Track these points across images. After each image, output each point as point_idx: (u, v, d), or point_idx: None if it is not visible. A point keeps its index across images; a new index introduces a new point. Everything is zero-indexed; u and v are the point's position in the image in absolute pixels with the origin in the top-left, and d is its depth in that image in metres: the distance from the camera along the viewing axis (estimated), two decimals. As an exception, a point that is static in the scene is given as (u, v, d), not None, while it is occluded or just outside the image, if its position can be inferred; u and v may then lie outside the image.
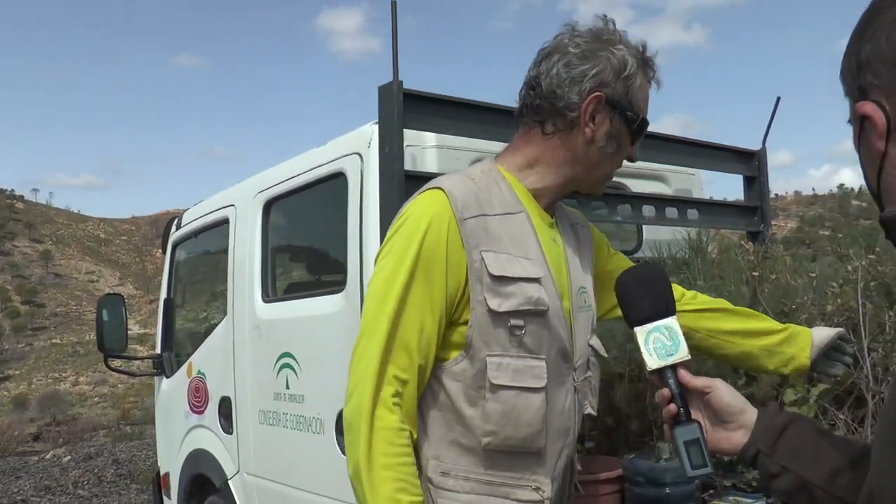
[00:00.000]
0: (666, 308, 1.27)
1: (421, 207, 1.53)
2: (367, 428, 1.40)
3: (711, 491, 2.08)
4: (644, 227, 3.85)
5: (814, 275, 2.39)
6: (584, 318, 1.67)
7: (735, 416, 1.21)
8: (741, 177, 4.19)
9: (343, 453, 3.01)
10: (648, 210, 3.61)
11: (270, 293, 3.56)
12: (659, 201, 3.63)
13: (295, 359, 3.21)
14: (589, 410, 1.69)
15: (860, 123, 0.89)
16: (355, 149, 3.08)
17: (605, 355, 1.78)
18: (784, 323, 1.93)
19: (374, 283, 1.52)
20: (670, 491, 1.99)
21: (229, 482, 3.78)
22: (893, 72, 0.84)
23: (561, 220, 1.72)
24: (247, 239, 3.66)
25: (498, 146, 3.29)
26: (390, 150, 2.70)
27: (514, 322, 1.48)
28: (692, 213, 3.77)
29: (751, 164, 4.16)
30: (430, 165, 3.13)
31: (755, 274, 2.39)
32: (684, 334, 1.65)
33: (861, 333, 2.12)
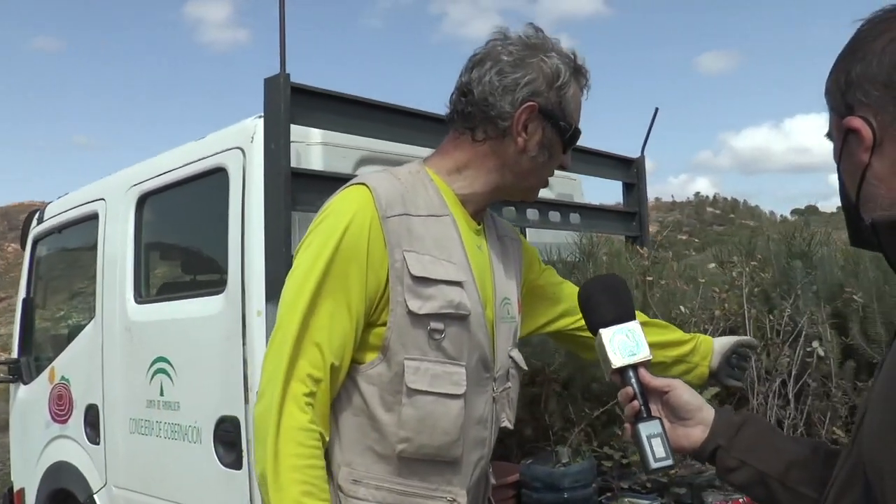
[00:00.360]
0: (628, 313, 1.37)
1: (343, 203, 1.49)
2: (276, 427, 1.35)
3: (609, 494, 2.11)
4: (527, 229, 3.90)
5: (703, 280, 2.48)
6: (506, 329, 1.64)
7: (693, 414, 1.29)
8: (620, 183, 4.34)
9: (222, 463, 2.92)
10: (532, 213, 3.65)
11: (144, 293, 3.36)
12: (542, 205, 3.68)
13: (170, 363, 3.04)
14: (505, 423, 1.66)
15: (844, 136, 0.99)
16: (237, 143, 2.94)
17: (525, 368, 1.76)
18: (675, 325, 1.98)
19: (290, 278, 1.47)
20: (568, 496, 2.00)
21: (95, 496, 3.53)
22: (882, 92, 0.94)
23: (489, 230, 1.69)
24: (118, 235, 3.44)
25: (385, 146, 3.27)
26: (276, 146, 2.59)
27: (433, 325, 1.45)
28: (574, 217, 3.85)
29: (630, 171, 4.30)
30: (315, 163, 3.04)
31: (649, 279, 2.45)
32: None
33: (748, 335, 2.21)
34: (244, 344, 2.69)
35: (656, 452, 1.24)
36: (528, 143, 1.54)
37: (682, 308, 2.47)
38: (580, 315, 1.92)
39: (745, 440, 1.25)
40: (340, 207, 1.48)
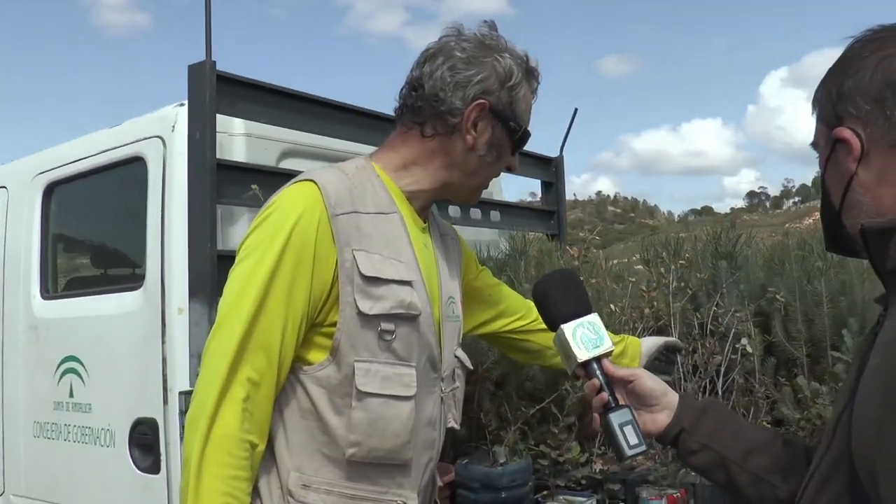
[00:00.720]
0: (587, 306, 1.39)
1: (291, 199, 1.43)
2: (205, 432, 1.29)
3: (545, 492, 2.11)
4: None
5: (632, 280, 2.52)
6: (451, 328, 1.62)
7: (659, 399, 1.34)
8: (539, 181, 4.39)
9: (138, 467, 2.78)
10: (454, 210, 3.65)
11: (51, 289, 3.17)
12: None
13: (81, 363, 2.87)
14: (451, 423, 1.64)
15: (833, 146, 1.05)
16: (157, 132, 2.81)
17: (471, 367, 1.74)
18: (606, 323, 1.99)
19: (234, 275, 1.41)
20: (506, 495, 1.99)
21: (-9, 505, 3.31)
22: (872, 107, 1.00)
23: (433, 227, 1.67)
24: (22, 227, 3.24)
25: (310, 139, 3.20)
26: (202, 136, 2.47)
27: (384, 326, 1.42)
28: (495, 215, 3.88)
29: (549, 170, 4.36)
30: (237, 154, 2.94)
31: (581, 278, 2.46)
32: (537, 352, 1.77)
33: (672, 334, 2.26)
34: (164, 342, 2.57)
35: (630, 440, 1.27)
36: (477, 141, 1.52)
37: (612, 306, 2.50)
38: (515, 317, 1.93)
39: (708, 425, 1.30)
40: (288, 204, 1.43)
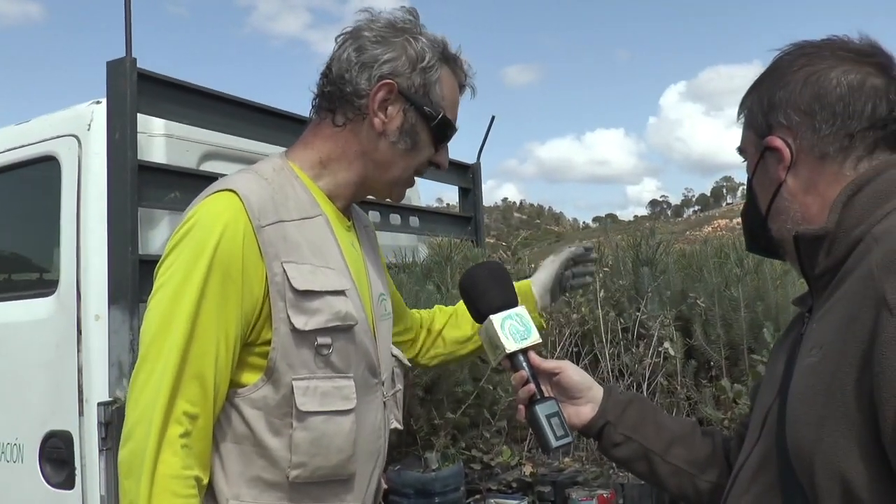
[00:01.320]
0: (514, 298, 1.38)
1: (211, 212, 1.33)
2: (149, 476, 1.21)
3: (477, 496, 2.13)
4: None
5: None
6: (385, 328, 1.56)
7: (583, 393, 1.36)
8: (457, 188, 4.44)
9: (50, 483, 2.64)
10: (374, 215, 3.65)
11: (-50, 295, 2.97)
12: (384, 207, 3.68)
13: (-15, 374, 2.71)
14: (394, 425, 1.60)
15: (762, 153, 1.10)
16: (71, 130, 2.68)
17: (408, 364, 1.70)
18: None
19: (157, 301, 1.30)
20: (439, 500, 1.99)
21: None
22: (802, 118, 1.06)
23: (357, 223, 1.60)
24: (-83, 229, 3.03)
25: (231, 141, 3.13)
26: (122, 136, 2.38)
27: (320, 341, 1.35)
28: (414, 221, 3.90)
29: (466, 176, 4.41)
30: (157, 156, 2.83)
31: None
32: (436, 356, 1.79)
33: (602, 339, 2.31)
34: (79, 351, 2.46)
35: (556, 431, 1.28)
36: (388, 126, 1.44)
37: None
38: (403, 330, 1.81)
39: (631, 417, 1.34)
40: (208, 218, 1.33)
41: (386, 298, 1.61)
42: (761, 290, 2.48)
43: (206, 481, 1.31)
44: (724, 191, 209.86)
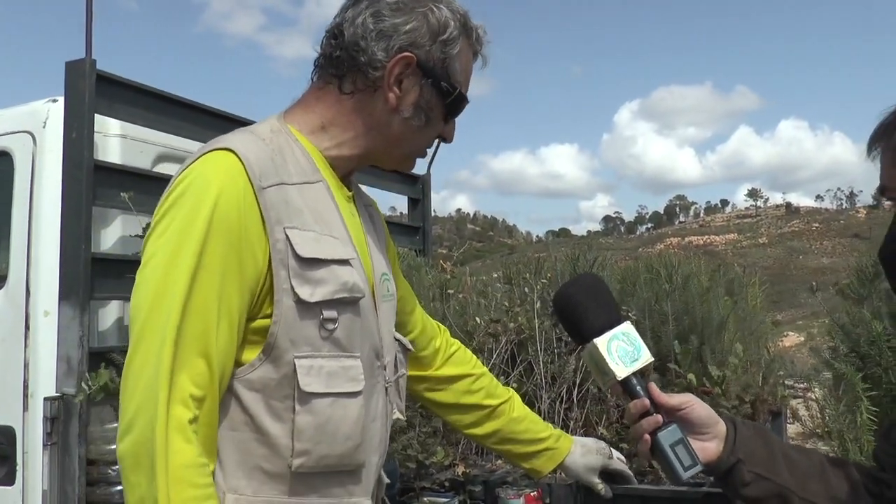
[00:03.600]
0: (618, 315, 1.24)
1: (206, 173, 1.19)
2: (163, 467, 1.08)
3: (410, 493, 2.21)
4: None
5: (499, 295, 2.68)
6: (388, 309, 1.43)
7: (710, 428, 1.25)
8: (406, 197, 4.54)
9: (9, 484, 2.64)
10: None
11: None
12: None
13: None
14: (397, 415, 1.46)
15: None
16: (26, 127, 2.73)
17: (412, 349, 1.57)
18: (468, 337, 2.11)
19: (147, 276, 1.16)
20: (375, 497, 2.07)
21: None
22: None
23: (357, 197, 1.47)
24: None
25: (186, 144, 3.18)
26: (79, 135, 2.44)
27: (326, 314, 1.22)
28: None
29: (416, 187, 4.51)
30: (112, 156, 2.90)
31: (450, 292, 2.62)
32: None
33: (537, 347, 2.43)
34: (26, 346, 2.50)
35: (684, 461, 1.18)
36: (402, 101, 1.32)
37: (477, 319, 2.65)
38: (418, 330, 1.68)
39: (761, 454, 1.25)
40: (202, 180, 1.18)
41: (389, 279, 1.46)
42: (689, 305, 2.62)
43: (212, 467, 1.18)
44: (678, 209, 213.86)
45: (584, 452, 1.82)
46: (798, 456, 1.26)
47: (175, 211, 1.18)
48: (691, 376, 2.26)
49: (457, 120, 1.43)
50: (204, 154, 1.23)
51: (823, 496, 1.22)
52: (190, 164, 1.23)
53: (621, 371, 1.19)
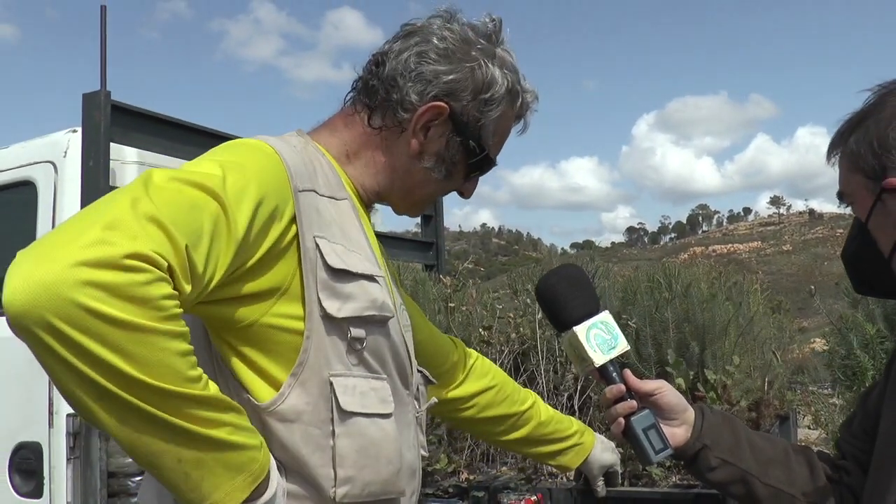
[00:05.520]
0: (597, 304, 1.28)
1: (249, 158, 1.07)
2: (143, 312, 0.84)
3: (416, 499, 2.28)
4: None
5: (500, 307, 2.76)
6: (409, 338, 1.33)
7: (679, 414, 1.30)
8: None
9: (19, 493, 2.76)
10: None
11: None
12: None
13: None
14: (423, 451, 1.35)
15: (878, 195, 1.07)
16: (48, 157, 2.86)
17: (435, 381, 1.48)
18: (476, 347, 2.17)
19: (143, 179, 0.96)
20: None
21: None
22: None
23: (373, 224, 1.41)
24: None
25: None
26: (95, 164, 2.56)
27: (354, 332, 1.12)
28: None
29: (427, 203, 4.60)
30: (129, 182, 3.01)
31: (451, 305, 2.69)
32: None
33: (539, 356, 2.50)
34: (51, 365, 2.60)
35: (655, 444, 1.23)
36: (425, 149, 1.26)
37: (480, 331, 2.72)
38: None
39: (726, 440, 1.30)
40: (245, 158, 1.06)
41: (405, 310, 1.38)
42: (689, 313, 2.68)
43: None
44: (700, 218, 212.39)
45: (602, 449, 1.85)
46: (763, 443, 1.31)
47: (213, 156, 1.06)
48: (680, 381, 2.32)
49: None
50: (239, 143, 1.13)
51: (785, 481, 1.27)
52: (223, 147, 1.11)
53: (599, 358, 1.24)
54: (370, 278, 1.16)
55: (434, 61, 1.23)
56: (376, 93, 1.25)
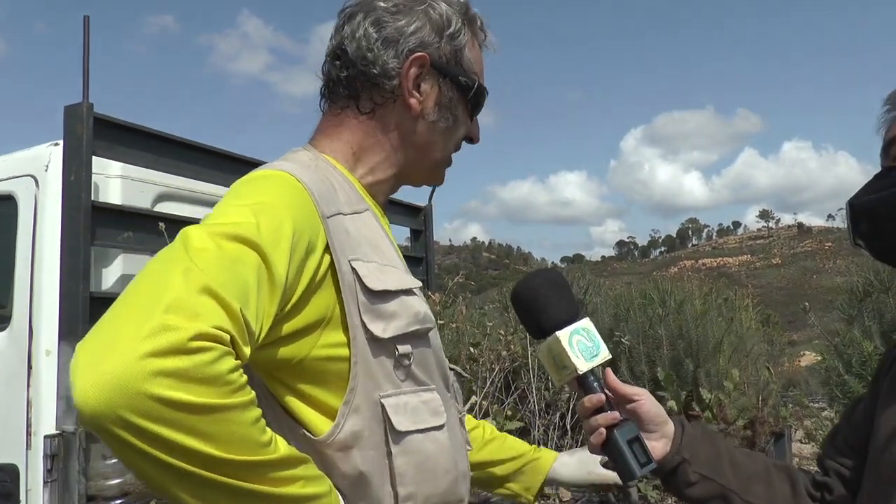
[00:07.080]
0: (578, 310, 1.23)
1: (275, 194, 1.06)
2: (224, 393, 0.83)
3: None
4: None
5: (490, 324, 2.71)
6: (438, 338, 1.32)
7: (659, 427, 1.25)
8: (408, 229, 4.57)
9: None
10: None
11: None
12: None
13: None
14: (468, 447, 1.35)
15: None
16: (29, 171, 2.80)
17: (467, 376, 1.56)
18: (466, 364, 2.13)
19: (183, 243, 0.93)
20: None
21: None
22: None
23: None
24: None
25: (185, 183, 3.25)
26: (77, 178, 2.50)
27: (401, 350, 1.13)
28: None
29: (417, 218, 4.54)
30: (113, 196, 2.96)
31: (441, 322, 2.64)
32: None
33: (531, 374, 2.45)
34: (29, 385, 2.54)
35: (640, 458, 1.16)
36: (424, 105, 1.25)
37: (471, 349, 2.67)
38: None
39: (706, 455, 1.26)
40: (275, 200, 1.04)
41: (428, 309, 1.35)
42: (683, 329, 2.64)
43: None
44: (690, 232, 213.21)
45: (570, 454, 1.69)
46: (743, 459, 1.28)
47: (241, 200, 1.02)
48: (672, 404, 2.27)
49: (457, 155, 1.36)
50: (258, 174, 1.11)
51: (765, 498, 1.23)
52: (247, 179, 1.10)
53: (582, 365, 1.17)
54: (409, 292, 1.16)
55: (391, 21, 1.24)
56: (353, 80, 1.24)
